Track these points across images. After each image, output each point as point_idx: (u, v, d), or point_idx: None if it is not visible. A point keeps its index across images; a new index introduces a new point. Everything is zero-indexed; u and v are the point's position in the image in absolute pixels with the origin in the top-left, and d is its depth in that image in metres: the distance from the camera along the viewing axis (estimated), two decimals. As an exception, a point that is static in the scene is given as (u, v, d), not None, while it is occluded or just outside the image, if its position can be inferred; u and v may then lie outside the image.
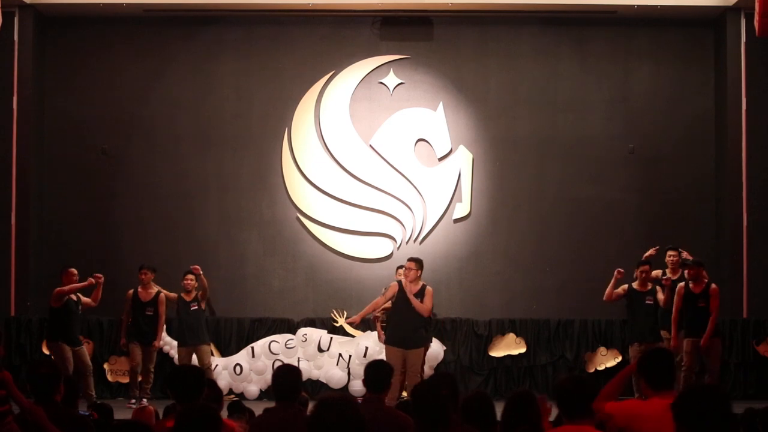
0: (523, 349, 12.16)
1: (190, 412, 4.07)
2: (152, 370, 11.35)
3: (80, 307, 11.04)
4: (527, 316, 12.47)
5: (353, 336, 12.07)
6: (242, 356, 11.97)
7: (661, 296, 10.71)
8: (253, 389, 11.90)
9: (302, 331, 12.03)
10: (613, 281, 10.79)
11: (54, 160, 13.32)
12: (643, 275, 10.78)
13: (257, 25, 13.40)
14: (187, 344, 11.32)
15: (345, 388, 11.85)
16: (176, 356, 11.62)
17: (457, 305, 12.80)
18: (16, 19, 12.85)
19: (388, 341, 10.23)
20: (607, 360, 12.09)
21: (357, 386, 11.53)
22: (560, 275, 13.09)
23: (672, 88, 13.35)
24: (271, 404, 5.57)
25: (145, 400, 11.01)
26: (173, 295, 11.45)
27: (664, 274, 11.07)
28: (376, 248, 13.23)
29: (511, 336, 12.20)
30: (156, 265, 11.59)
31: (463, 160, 13.27)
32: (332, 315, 12.25)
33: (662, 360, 4.66)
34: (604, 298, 10.93)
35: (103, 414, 6.78)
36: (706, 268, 10.75)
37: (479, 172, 13.31)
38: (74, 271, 11.01)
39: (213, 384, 6.05)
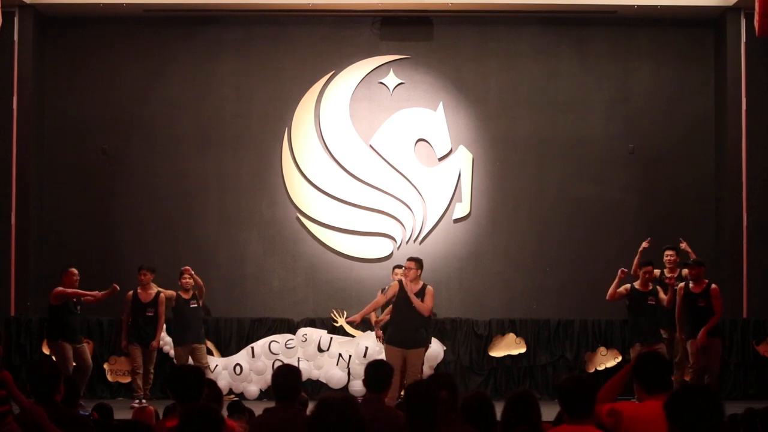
0: (523, 349, 12.16)
1: (193, 413, 4.08)
2: (152, 371, 11.34)
3: (78, 308, 11.03)
4: (527, 316, 12.47)
5: (353, 336, 12.07)
6: (242, 356, 11.97)
7: (663, 296, 10.71)
8: (253, 389, 11.90)
9: (302, 331, 12.03)
10: (616, 280, 10.77)
11: (54, 160, 13.32)
12: (646, 276, 10.77)
13: (257, 25, 13.40)
14: (185, 343, 11.31)
15: (345, 388, 11.85)
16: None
17: (457, 305, 12.80)
18: (16, 19, 12.85)
19: (389, 341, 10.22)
20: (607, 360, 12.09)
21: (357, 386, 11.53)
22: (560, 275, 13.09)
23: (672, 88, 13.35)
24: (271, 404, 5.57)
25: (144, 400, 11.00)
26: (171, 293, 11.44)
27: (662, 274, 11.08)
28: (376, 248, 13.23)
29: (511, 336, 12.20)
30: (156, 265, 11.59)
31: (463, 160, 13.28)
32: (332, 315, 12.25)
33: (656, 363, 4.66)
34: (607, 298, 10.91)
35: (103, 414, 6.78)
36: (705, 267, 10.77)
37: (479, 172, 13.31)
38: (75, 271, 11.00)
39: (213, 384, 6.05)
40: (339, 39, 13.38)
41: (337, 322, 12.18)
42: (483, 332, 12.19)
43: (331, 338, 12.03)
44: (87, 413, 6.98)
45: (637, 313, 10.78)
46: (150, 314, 11.27)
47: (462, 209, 13.24)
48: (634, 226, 13.05)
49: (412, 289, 10.13)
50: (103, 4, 12.93)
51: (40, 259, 13.11)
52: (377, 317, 11.34)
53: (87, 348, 11.20)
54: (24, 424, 4.92)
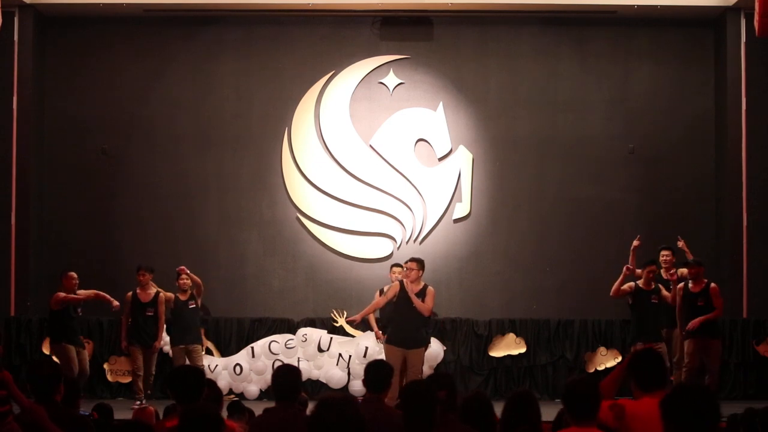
0: (523, 349, 12.16)
1: (193, 413, 4.08)
2: (153, 372, 11.30)
3: (79, 310, 11.02)
4: (527, 316, 12.47)
5: (353, 336, 12.07)
6: (242, 356, 11.97)
7: (666, 293, 10.71)
8: (253, 389, 11.91)
9: (302, 331, 12.03)
10: (621, 277, 10.71)
11: (54, 160, 13.32)
12: (651, 275, 10.75)
13: (257, 25, 13.40)
14: (182, 343, 11.31)
15: (345, 388, 11.85)
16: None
17: (457, 305, 12.80)
18: (16, 19, 12.85)
19: (389, 341, 10.23)
20: (607, 360, 12.09)
21: (357, 386, 11.53)
22: (560, 275, 13.09)
23: (672, 88, 13.36)
24: (271, 404, 5.57)
25: (143, 401, 10.99)
26: (170, 295, 11.46)
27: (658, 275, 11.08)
28: (376, 248, 13.23)
29: (511, 336, 12.20)
30: (155, 265, 11.59)
31: (463, 160, 13.28)
32: (332, 315, 12.25)
33: (651, 360, 4.67)
34: (611, 294, 10.83)
35: (103, 414, 6.77)
36: (705, 267, 10.77)
37: (479, 172, 13.31)
38: (74, 275, 10.98)
39: (213, 384, 6.05)
40: (339, 39, 13.38)
41: (337, 322, 12.18)
42: (483, 332, 12.19)
43: (331, 338, 12.03)
44: (87, 413, 6.98)
45: (640, 312, 10.75)
46: (150, 314, 11.27)
47: (462, 209, 13.24)
48: (634, 226, 13.02)
49: (413, 289, 10.14)
50: (103, 4, 12.93)
51: (40, 259, 13.11)
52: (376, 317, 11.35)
53: (86, 354, 11.19)
54: (24, 424, 4.91)
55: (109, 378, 12.13)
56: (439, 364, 11.91)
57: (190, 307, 11.42)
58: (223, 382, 11.65)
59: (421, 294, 10.18)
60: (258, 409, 6.39)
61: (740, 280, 12.70)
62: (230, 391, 11.76)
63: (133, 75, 13.36)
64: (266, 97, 13.37)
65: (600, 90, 13.38)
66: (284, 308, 12.87)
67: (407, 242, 13.22)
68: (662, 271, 11.08)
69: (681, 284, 10.61)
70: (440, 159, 13.30)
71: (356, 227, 13.25)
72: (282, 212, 13.30)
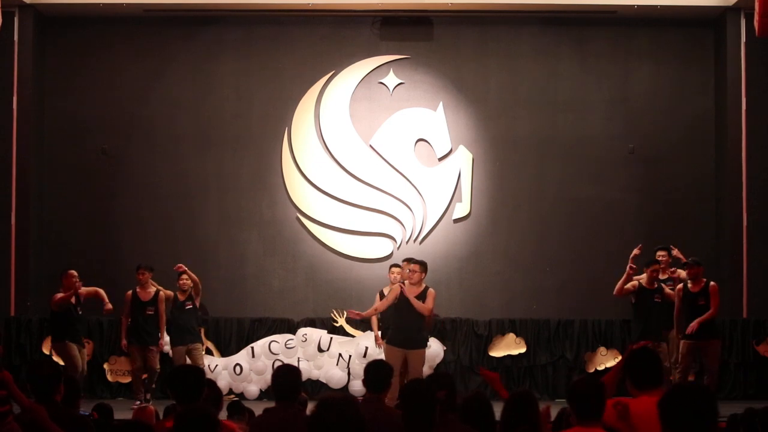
0: (523, 349, 12.16)
1: (188, 415, 4.08)
2: (158, 369, 11.24)
3: (79, 309, 11.02)
4: (527, 316, 12.47)
5: (353, 336, 12.07)
6: (242, 356, 11.97)
7: (669, 291, 10.71)
8: (253, 389, 11.91)
9: (302, 331, 12.03)
10: (625, 276, 10.69)
11: (54, 160, 13.32)
12: (654, 274, 10.75)
13: (257, 25, 13.40)
14: (182, 343, 11.31)
15: (345, 388, 11.85)
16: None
17: (457, 305, 12.80)
18: (16, 19, 12.85)
19: (390, 341, 10.25)
20: (607, 360, 12.08)
21: (357, 386, 11.53)
22: (560, 275, 13.09)
23: (672, 88, 13.35)
24: (271, 404, 5.57)
25: (150, 400, 10.99)
26: (170, 293, 11.46)
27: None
28: (376, 248, 13.23)
29: (511, 336, 12.20)
30: (155, 265, 11.59)
31: (463, 160, 13.27)
32: (332, 315, 12.25)
33: (647, 359, 4.67)
34: (615, 293, 10.82)
35: (103, 414, 6.77)
36: (704, 267, 10.77)
37: (479, 172, 13.31)
38: (74, 273, 10.97)
39: (213, 384, 6.05)
40: (339, 39, 13.38)
41: (337, 322, 12.18)
42: (483, 332, 12.19)
43: (331, 338, 12.03)
44: (87, 413, 6.98)
45: (643, 311, 10.74)
46: (150, 313, 11.27)
47: (462, 209, 13.24)
48: (634, 226, 13.05)
49: (412, 292, 10.17)
50: (103, 4, 12.93)
51: (40, 259, 13.11)
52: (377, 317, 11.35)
53: (85, 353, 11.17)
54: (24, 424, 4.91)
55: (109, 378, 12.12)
56: (439, 364, 11.91)
57: (187, 308, 11.42)
58: (223, 382, 11.66)
59: (422, 296, 10.20)
60: (258, 409, 6.40)
61: (740, 280, 12.70)
62: (230, 391, 11.77)
63: (133, 75, 13.36)
64: (266, 97, 13.37)
65: (600, 90, 13.38)
66: (284, 308, 12.87)
67: (407, 242, 13.22)
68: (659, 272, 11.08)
69: (680, 285, 10.62)
70: (440, 159, 13.30)
71: (356, 227, 13.25)
72: (282, 212, 13.30)
